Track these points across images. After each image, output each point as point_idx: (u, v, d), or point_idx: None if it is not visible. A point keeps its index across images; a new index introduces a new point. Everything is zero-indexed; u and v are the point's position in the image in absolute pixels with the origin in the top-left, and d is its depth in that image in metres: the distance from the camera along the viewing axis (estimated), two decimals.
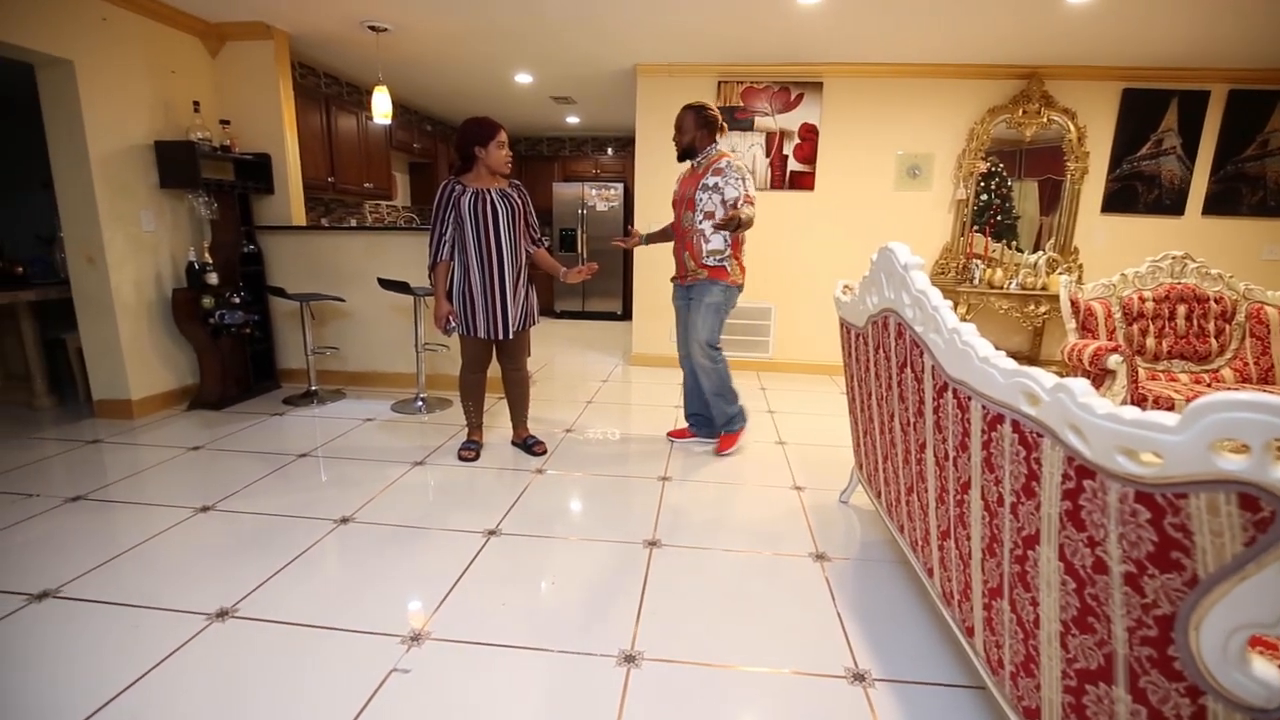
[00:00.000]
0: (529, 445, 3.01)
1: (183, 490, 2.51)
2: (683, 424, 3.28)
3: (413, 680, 1.48)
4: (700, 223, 2.78)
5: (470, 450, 2.92)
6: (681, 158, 2.90)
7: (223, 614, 1.72)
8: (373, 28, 3.82)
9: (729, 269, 2.82)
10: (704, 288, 2.85)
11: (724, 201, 2.71)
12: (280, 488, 2.55)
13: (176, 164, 3.45)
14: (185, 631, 1.64)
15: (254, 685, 1.46)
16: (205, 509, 2.34)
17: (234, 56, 3.88)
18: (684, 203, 2.85)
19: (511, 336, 2.80)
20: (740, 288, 2.91)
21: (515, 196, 2.73)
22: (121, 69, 3.28)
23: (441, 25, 3.83)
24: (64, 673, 1.49)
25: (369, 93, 4.65)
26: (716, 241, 2.78)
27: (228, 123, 3.73)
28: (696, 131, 2.81)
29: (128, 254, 3.36)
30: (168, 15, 3.49)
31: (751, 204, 2.70)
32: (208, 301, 3.53)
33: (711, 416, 3.09)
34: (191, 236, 3.73)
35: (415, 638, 1.64)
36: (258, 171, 3.90)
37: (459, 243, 2.67)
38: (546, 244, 2.92)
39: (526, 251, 2.82)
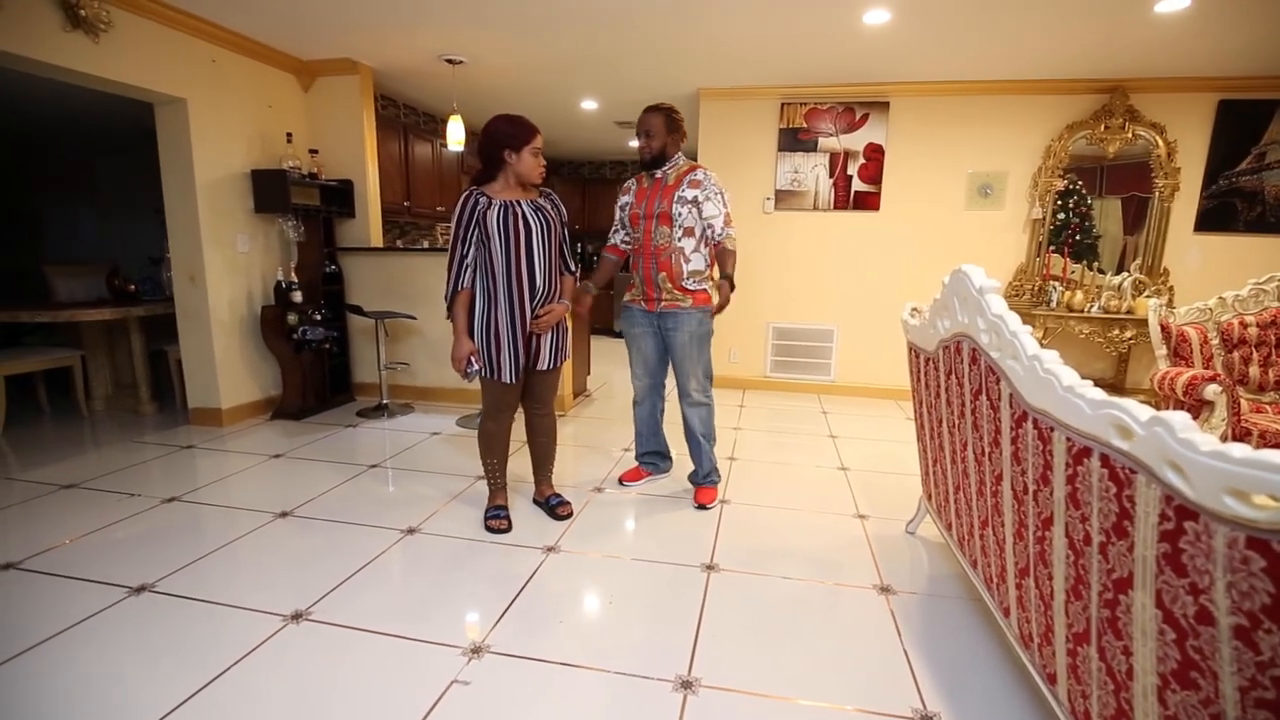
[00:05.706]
0: (552, 506, 2.54)
1: (264, 495, 2.66)
2: (632, 465, 3.00)
3: (473, 692, 1.51)
4: (680, 240, 2.51)
5: (499, 519, 2.42)
6: (650, 166, 2.56)
7: (297, 616, 1.80)
8: (449, 60, 4.03)
9: (709, 290, 2.59)
10: (690, 318, 2.55)
11: (702, 217, 2.50)
12: (352, 497, 2.67)
13: (269, 191, 3.72)
14: (263, 631, 1.73)
15: (324, 687, 1.52)
16: (284, 514, 2.47)
17: (323, 90, 4.17)
18: (654, 217, 2.52)
19: (543, 368, 2.39)
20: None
21: (550, 210, 2.31)
22: (226, 105, 3.58)
23: (513, 57, 4.00)
24: (155, 663, 1.60)
25: (444, 121, 4.90)
26: (697, 261, 2.54)
27: (316, 151, 4.01)
28: (668, 136, 2.52)
29: (224, 273, 3.64)
30: (268, 55, 3.80)
31: (731, 225, 2.53)
32: (292, 318, 3.76)
33: (664, 454, 2.94)
34: (280, 257, 4.00)
35: (476, 650, 1.67)
36: (341, 197, 4.16)
37: (482, 266, 2.25)
38: (576, 273, 2.46)
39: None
